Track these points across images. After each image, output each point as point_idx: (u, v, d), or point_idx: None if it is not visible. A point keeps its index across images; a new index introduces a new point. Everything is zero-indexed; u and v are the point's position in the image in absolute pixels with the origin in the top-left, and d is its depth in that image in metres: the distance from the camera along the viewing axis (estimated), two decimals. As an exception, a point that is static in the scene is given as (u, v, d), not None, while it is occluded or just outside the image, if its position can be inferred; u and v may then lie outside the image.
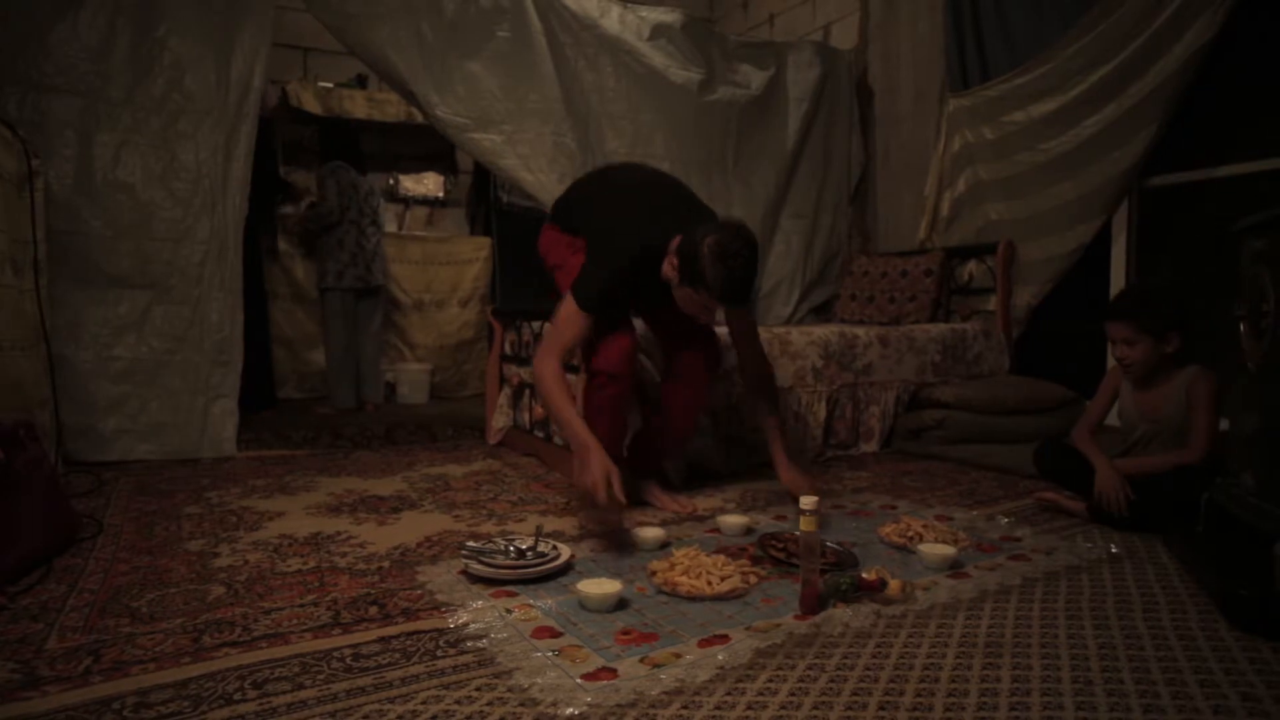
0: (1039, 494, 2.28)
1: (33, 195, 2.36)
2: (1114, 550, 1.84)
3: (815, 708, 1.11)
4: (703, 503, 2.33)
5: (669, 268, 1.99)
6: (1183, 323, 2.07)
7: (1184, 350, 2.08)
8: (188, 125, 2.82)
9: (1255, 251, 1.59)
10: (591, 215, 2.17)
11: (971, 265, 3.62)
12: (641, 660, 1.25)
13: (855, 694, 1.15)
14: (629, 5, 3.42)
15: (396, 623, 1.41)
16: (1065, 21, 3.08)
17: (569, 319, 2.00)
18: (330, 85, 4.39)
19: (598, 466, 1.78)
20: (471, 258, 4.68)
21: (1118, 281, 3.16)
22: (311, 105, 4.30)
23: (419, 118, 3.72)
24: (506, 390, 3.27)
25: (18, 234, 2.29)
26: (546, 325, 2.29)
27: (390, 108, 4.45)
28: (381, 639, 1.34)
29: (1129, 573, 1.69)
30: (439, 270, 4.58)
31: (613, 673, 1.21)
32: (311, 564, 1.73)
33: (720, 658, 1.26)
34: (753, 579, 1.59)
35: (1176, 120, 2.84)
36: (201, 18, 2.80)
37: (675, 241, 1.98)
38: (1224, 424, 2.05)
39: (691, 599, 1.51)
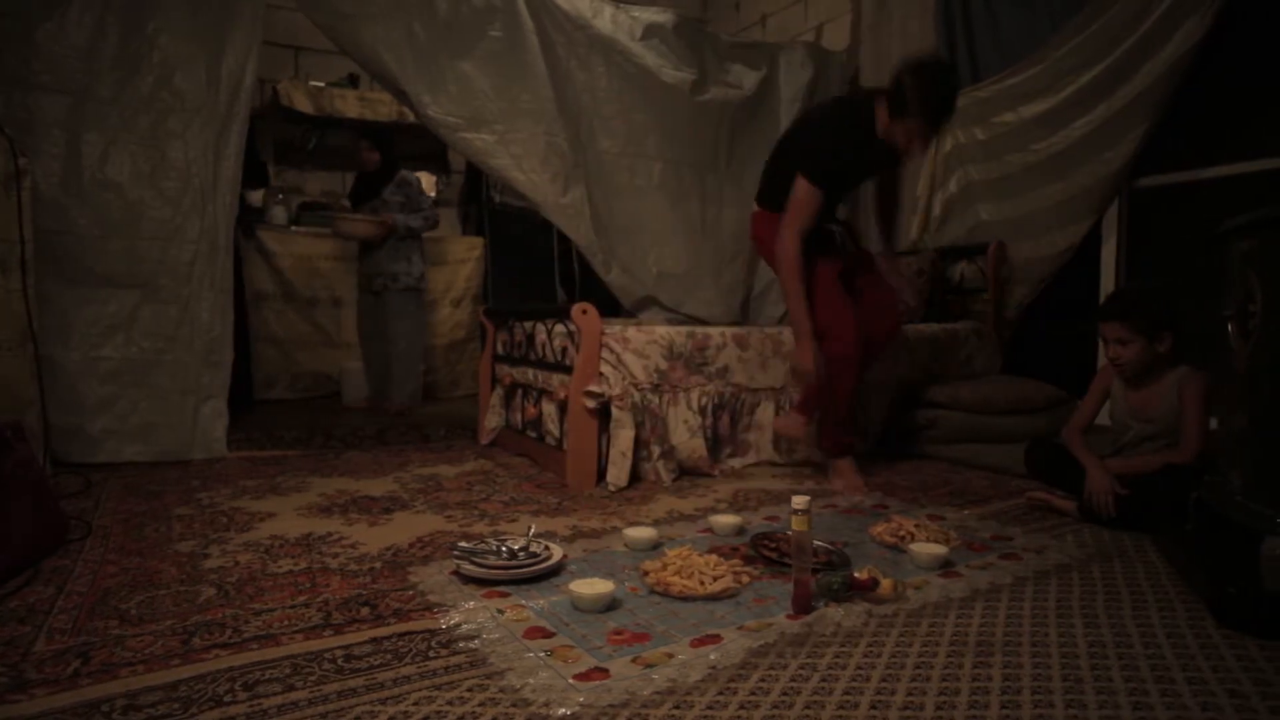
0: (1030, 493, 2.29)
1: (19, 194, 2.34)
2: (1104, 549, 1.85)
3: (807, 707, 1.12)
4: (694, 503, 2.33)
5: (880, 113, 2.18)
6: (1175, 323, 2.08)
7: (1176, 351, 2.10)
8: (177, 124, 2.80)
9: (1242, 252, 1.60)
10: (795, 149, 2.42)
11: (963, 265, 3.64)
12: (634, 660, 1.25)
13: (847, 693, 1.16)
14: (621, 5, 3.42)
15: (388, 624, 1.40)
16: (1055, 23, 3.10)
17: (806, 196, 2.29)
18: (322, 84, 4.38)
19: (807, 357, 2.30)
20: (464, 257, 4.67)
21: (1108, 282, 3.18)
22: (303, 104, 4.29)
23: (411, 117, 3.71)
24: (499, 390, 3.26)
25: (4, 234, 2.27)
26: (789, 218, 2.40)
27: (382, 107, 4.43)
28: (373, 640, 1.33)
29: (1119, 572, 1.70)
30: (431, 270, 4.56)
31: (605, 673, 1.21)
32: (303, 565, 1.73)
33: (712, 657, 1.26)
34: (745, 579, 1.59)
35: (1166, 122, 2.86)
36: (192, 16, 2.78)
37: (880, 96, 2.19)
38: (1214, 423, 2.07)
39: (684, 599, 1.51)
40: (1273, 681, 1.19)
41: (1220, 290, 1.71)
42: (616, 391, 2.54)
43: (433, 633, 1.37)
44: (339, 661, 1.25)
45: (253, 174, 3.90)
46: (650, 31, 3.45)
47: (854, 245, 2.59)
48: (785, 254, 2.31)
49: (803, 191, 2.29)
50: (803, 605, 1.44)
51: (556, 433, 2.75)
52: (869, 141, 2.28)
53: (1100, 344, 2.38)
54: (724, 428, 2.84)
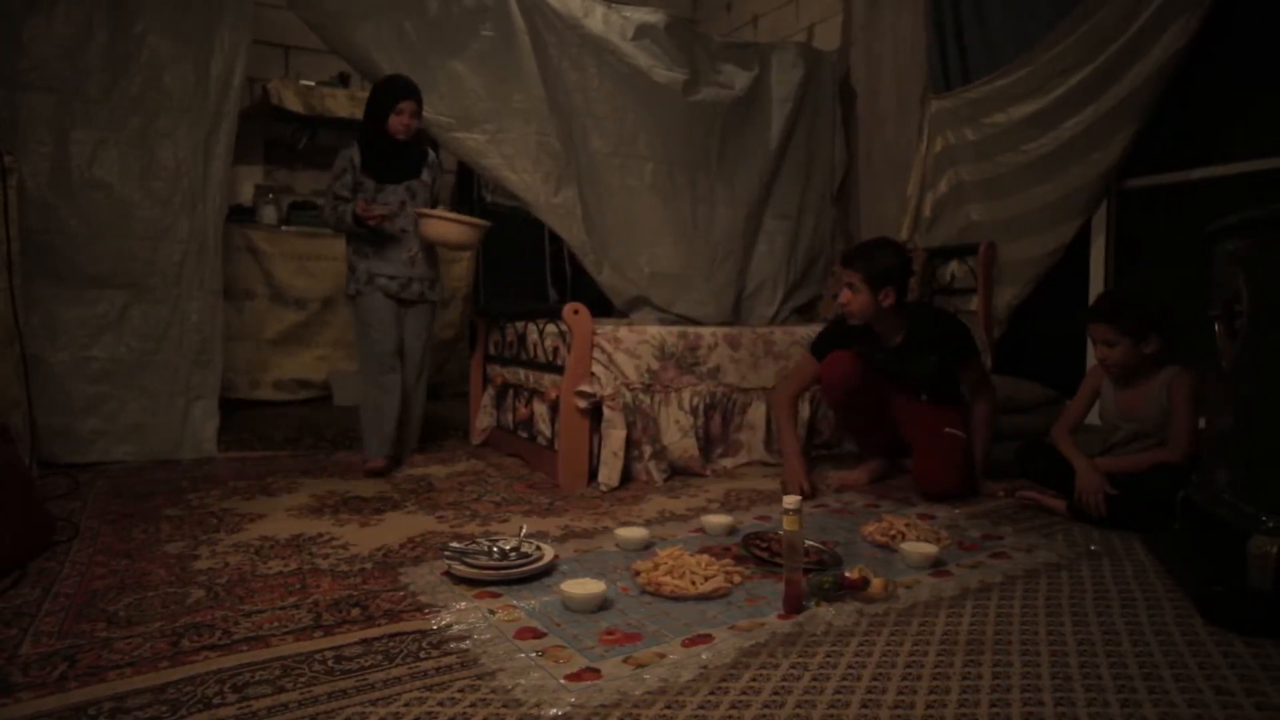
0: (1020, 492, 2.31)
1: (5, 193, 2.32)
2: (1093, 548, 1.86)
3: (798, 706, 1.12)
4: (686, 503, 2.34)
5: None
6: (1162, 324, 2.10)
7: (1164, 351, 2.12)
8: (167, 123, 2.78)
9: (1229, 253, 1.62)
10: None
11: (953, 265, 3.65)
12: (625, 660, 1.26)
13: (838, 692, 1.16)
14: (613, 5, 3.42)
15: (379, 624, 1.40)
16: (1045, 25, 3.11)
17: (800, 362, 2.68)
18: (312, 83, 4.35)
19: (788, 473, 2.47)
20: (454, 257, 4.64)
21: (1096, 282, 3.20)
22: (293, 104, 4.26)
23: (402, 116, 3.68)
24: (490, 390, 3.26)
25: (-9, 233, 2.26)
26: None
27: (373, 106, 4.41)
28: (364, 641, 1.33)
29: (1108, 570, 1.71)
30: (422, 270, 4.55)
31: (596, 673, 1.21)
32: (293, 566, 1.72)
33: (704, 657, 1.27)
34: (736, 578, 1.60)
35: (1154, 123, 2.88)
36: (180, 15, 2.77)
37: None
38: (1201, 423, 2.08)
39: (675, 599, 1.51)
40: (1258, 678, 1.21)
41: (1207, 290, 1.72)
42: (608, 391, 2.54)
43: (424, 633, 1.36)
44: (329, 663, 1.25)
45: None
46: (642, 31, 3.44)
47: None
48: (776, 403, 2.68)
49: (800, 358, 2.70)
50: (794, 605, 1.45)
51: (548, 433, 2.75)
52: (865, 337, 2.50)
53: (1090, 344, 2.39)
54: (715, 428, 2.84)
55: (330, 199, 2.70)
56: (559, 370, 2.63)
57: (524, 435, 2.93)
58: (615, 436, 2.52)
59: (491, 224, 2.89)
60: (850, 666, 1.25)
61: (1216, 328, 1.65)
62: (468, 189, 4.91)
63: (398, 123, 2.68)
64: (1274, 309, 1.47)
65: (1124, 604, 1.51)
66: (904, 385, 2.52)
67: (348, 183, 2.69)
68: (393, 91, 2.69)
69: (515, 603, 1.49)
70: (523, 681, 1.18)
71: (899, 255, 2.42)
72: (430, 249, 2.84)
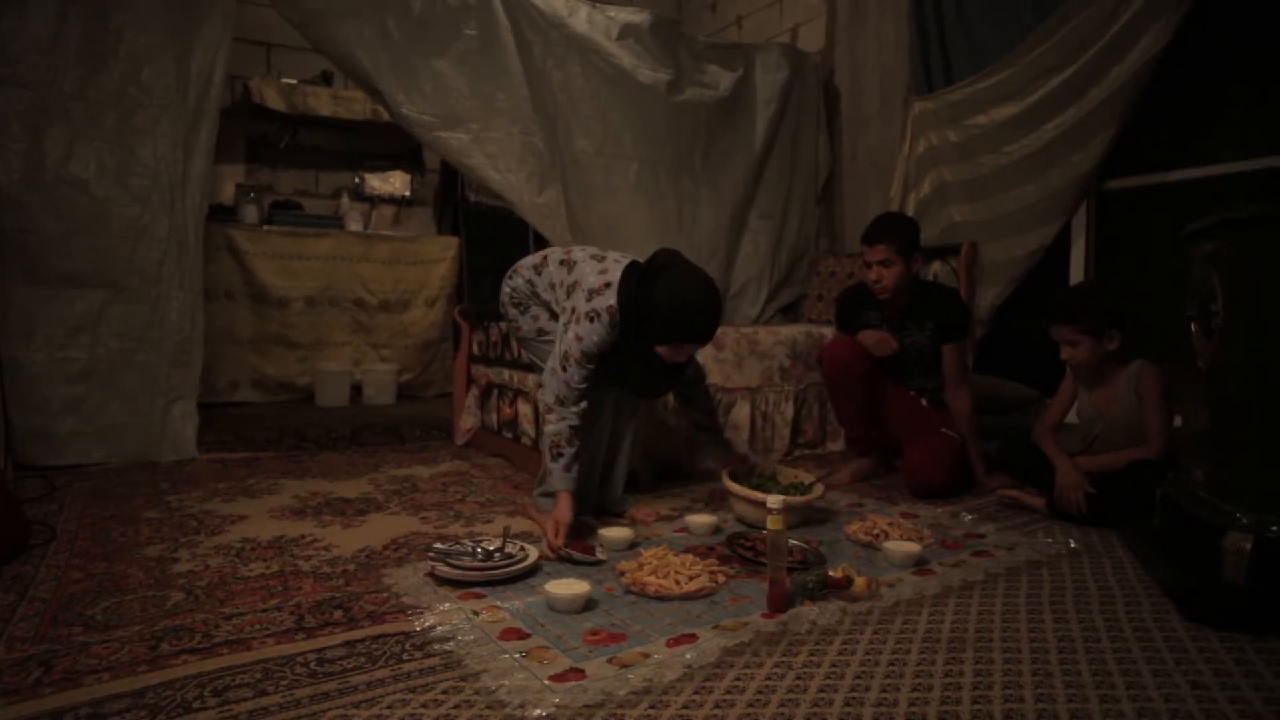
0: (1002, 491, 2.33)
1: (-20, 191, 2.29)
2: (1073, 545, 1.88)
3: (782, 705, 1.12)
4: (671, 502, 2.34)
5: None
6: (1123, 320, 2.11)
7: (1126, 347, 2.13)
8: (145, 120, 2.75)
9: (1205, 254, 1.64)
10: None
11: (936, 266, 3.67)
12: (609, 660, 1.26)
13: (821, 690, 1.17)
14: (597, 5, 3.41)
15: (362, 626, 1.39)
16: (1025, 28, 3.14)
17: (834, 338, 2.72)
18: (294, 82, 4.32)
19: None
20: (439, 257, 4.63)
21: (1077, 282, 3.23)
22: (275, 102, 4.22)
23: (385, 116, 3.66)
24: (474, 391, 3.24)
25: (-35, 231, 2.22)
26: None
27: (356, 105, 4.38)
28: (346, 643, 1.32)
29: (1087, 567, 1.74)
30: (406, 270, 4.52)
31: (580, 673, 1.21)
32: (275, 568, 1.70)
33: (688, 657, 1.27)
34: (720, 578, 1.60)
35: (1133, 125, 2.92)
36: (160, 10, 2.73)
37: None
38: (1178, 421, 2.11)
39: (659, 599, 1.51)
40: (1232, 673, 1.22)
41: (1186, 290, 1.74)
42: (593, 391, 2.53)
43: (407, 635, 1.36)
44: (311, 665, 1.24)
45: None
46: (626, 31, 3.44)
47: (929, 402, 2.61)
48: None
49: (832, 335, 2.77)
50: (778, 604, 1.45)
51: (533, 433, 2.74)
52: (867, 299, 2.60)
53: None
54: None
55: (567, 384, 1.94)
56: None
57: (508, 436, 2.92)
58: (600, 436, 2.51)
59: (807, 501, 2.09)
60: (834, 665, 1.25)
61: (1193, 328, 1.67)
62: (451, 188, 4.89)
63: (668, 355, 1.99)
64: (1249, 309, 1.49)
65: (1103, 601, 1.53)
66: (904, 376, 2.57)
67: (590, 373, 1.96)
68: (688, 331, 1.96)
69: (499, 604, 1.49)
70: (507, 683, 1.18)
71: (914, 221, 2.53)
72: None
